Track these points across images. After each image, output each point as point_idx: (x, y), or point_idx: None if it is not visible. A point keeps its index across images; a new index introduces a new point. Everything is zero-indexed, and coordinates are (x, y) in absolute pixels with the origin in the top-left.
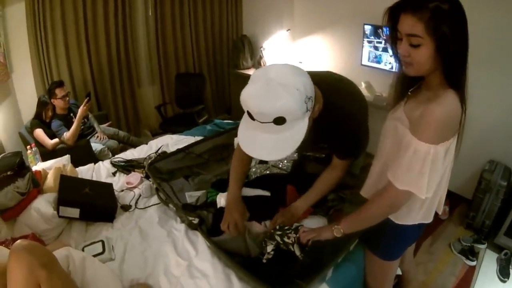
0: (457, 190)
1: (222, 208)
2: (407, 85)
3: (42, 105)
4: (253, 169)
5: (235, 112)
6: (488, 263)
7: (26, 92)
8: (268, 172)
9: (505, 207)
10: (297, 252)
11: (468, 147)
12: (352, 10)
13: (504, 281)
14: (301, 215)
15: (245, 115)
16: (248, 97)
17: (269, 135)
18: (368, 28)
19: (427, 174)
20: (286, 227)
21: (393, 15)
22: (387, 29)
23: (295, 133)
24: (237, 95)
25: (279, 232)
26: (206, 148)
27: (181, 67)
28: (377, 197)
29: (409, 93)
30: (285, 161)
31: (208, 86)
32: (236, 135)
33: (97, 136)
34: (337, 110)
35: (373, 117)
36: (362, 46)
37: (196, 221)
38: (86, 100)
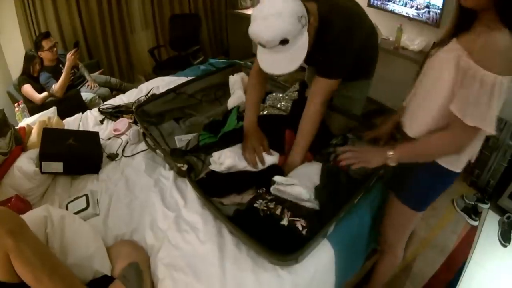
0: None
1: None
2: (464, 20)
3: (28, 59)
4: None
5: (233, 53)
6: (490, 224)
7: (14, 49)
8: (265, 112)
9: (511, 169)
10: (285, 223)
11: None
12: None
13: (505, 246)
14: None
15: (258, 46)
16: (255, 33)
17: (281, 54)
18: None
19: (496, 107)
20: (269, 197)
21: None
22: None
23: (301, 46)
24: (235, 36)
25: (260, 201)
26: (198, 88)
27: (175, 8)
28: (440, 134)
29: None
30: (284, 102)
31: (205, 28)
32: (231, 74)
33: (88, 85)
34: (329, 26)
35: (380, 61)
36: None
37: (185, 167)
38: (74, 50)
